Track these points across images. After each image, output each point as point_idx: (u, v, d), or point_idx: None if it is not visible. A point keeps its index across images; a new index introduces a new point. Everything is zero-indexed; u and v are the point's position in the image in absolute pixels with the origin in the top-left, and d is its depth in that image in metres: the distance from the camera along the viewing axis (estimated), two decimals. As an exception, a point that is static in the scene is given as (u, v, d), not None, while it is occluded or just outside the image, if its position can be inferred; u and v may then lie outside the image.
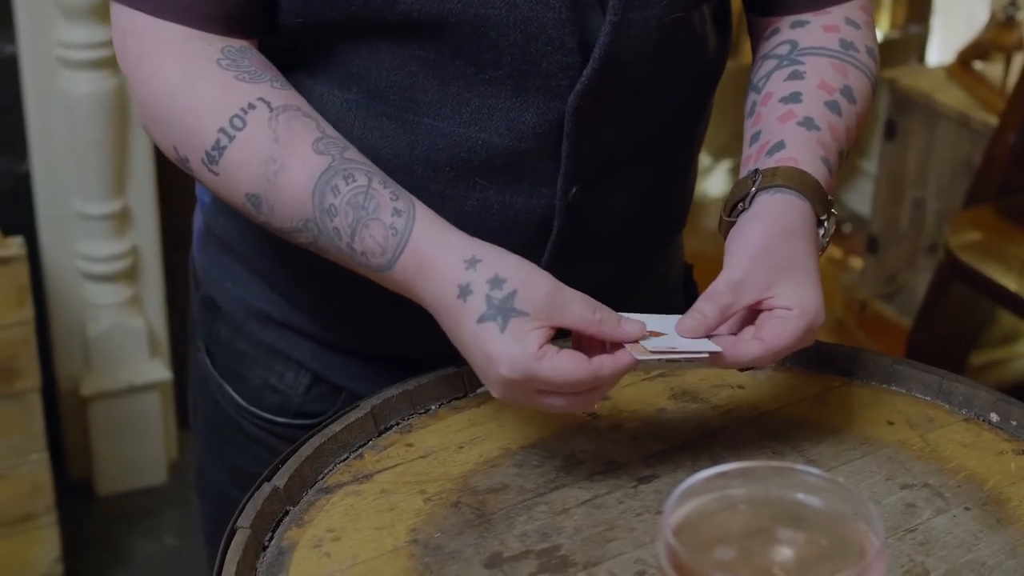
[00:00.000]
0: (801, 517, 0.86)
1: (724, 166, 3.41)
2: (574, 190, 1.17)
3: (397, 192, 1.06)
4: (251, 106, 1.09)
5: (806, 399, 1.17)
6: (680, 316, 1.06)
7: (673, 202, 1.30)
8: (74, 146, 2.51)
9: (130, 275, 2.64)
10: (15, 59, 2.46)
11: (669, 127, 1.24)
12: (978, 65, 3.17)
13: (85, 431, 2.69)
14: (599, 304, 1.03)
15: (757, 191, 1.10)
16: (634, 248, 1.27)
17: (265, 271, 1.27)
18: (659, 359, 1.02)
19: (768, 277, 1.06)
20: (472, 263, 1.03)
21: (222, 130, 1.09)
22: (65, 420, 2.70)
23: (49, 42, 2.44)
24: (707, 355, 1.03)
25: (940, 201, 3.17)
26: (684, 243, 1.42)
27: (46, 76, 2.46)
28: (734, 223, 1.11)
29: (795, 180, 1.10)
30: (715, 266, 1.10)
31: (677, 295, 1.39)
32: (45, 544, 2.35)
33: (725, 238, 1.11)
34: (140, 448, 2.72)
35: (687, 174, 1.30)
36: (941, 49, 3.65)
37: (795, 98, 1.17)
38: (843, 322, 3.33)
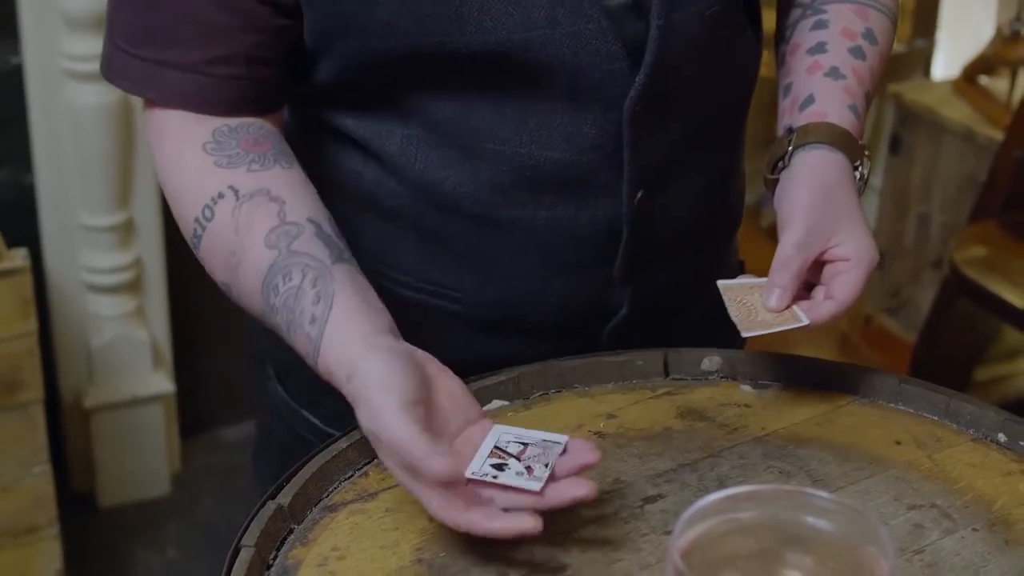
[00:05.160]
0: (810, 540, 0.85)
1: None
2: (639, 196, 1.19)
3: (321, 292, 1.06)
4: (220, 195, 1.12)
5: (813, 418, 1.17)
6: None
7: (730, 196, 1.33)
8: (79, 158, 2.50)
9: (134, 287, 2.64)
10: (20, 70, 2.46)
11: (721, 122, 1.27)
12: (983, 80, 3.17)
13: (88, 443, 2.69)
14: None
15: (793, 149, 1.18)
16: (699, 246, 1.30)
17: None
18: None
19: (824, 229, 1.13)
20: (350, 379, 1.03)
21: (197, 220, 1.14)
22: (68, 432, 2.70)
23: (54, 53, 2.44)
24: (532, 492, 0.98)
25: (945, 216, 3.16)
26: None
27: (51, 87, 2.46)
28: (777, 180, 1.18)
29: (826, 134, 1.17)
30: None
31: None
32: (47, 556, 2.35)
33: (773, 195, 1.19)
34: (143, 460, 2.72)
35: (739, 167, 1.34)
36: (946, 64, 3.64)
37: (820, 48, 1.23)
38: (847, 336, 3.33)
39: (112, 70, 1.17)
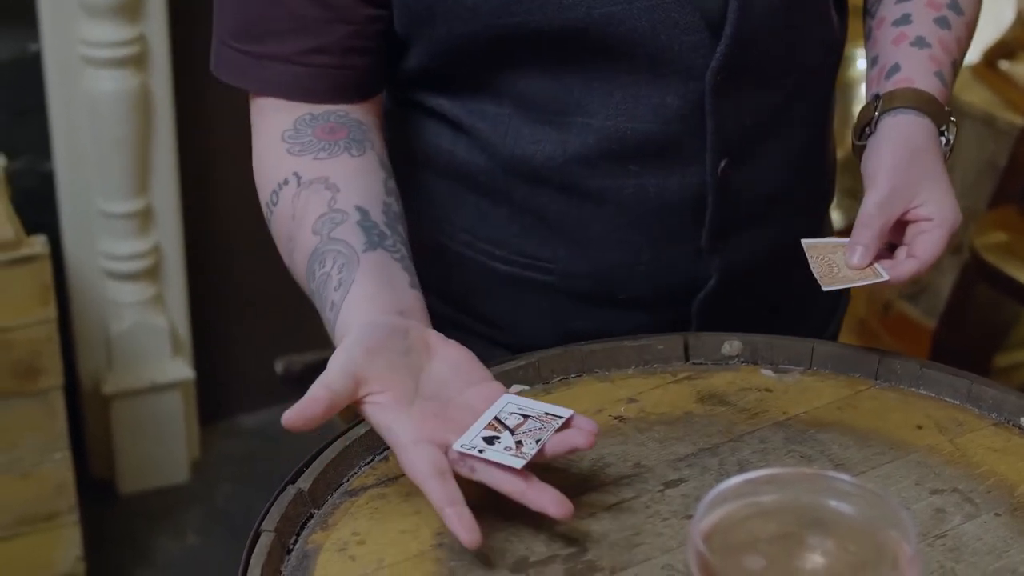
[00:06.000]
0: (832, 524, 0.85)
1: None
2: (723, 164, 1.22)
3: (343, 279, 1.10)
4: (285, 182, 1.16)
5: (834, 402, 1.17)
6: None
7: (817, 167, 1.35)
8: (97, 145, 2.51)
9: (153, 274, 2.64)
10: (39, 57, 2.47)
11: (805, 93, 1.29)
12: (1004, 65, 3.15)
13: (107, 430, 2.69)
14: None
15: (880, 115, 1.21)
16: (787, 217, 1.31)
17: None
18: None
19: (907, 190, 1.16)
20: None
21: (266, 204, 1.19)
22: (88, 419, 2.70)
23: (73, 40, 2.44)
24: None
25: (965, 201, 3.13)
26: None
27: (70, 75, 2.46)
28: (864, 146, 1.21)
29: (912, 100, 1.20)
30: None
31: None
32: (67, 543, 2.35)
33: (860, 161, 1.21)
34: (162, 447, 2.73)
35: (826, 139, 1.35)
36: (966, 48, 3.63)
37: (905, 20, 1.26)
38: (866, 322, 3.31)
39: (218, 64, 1.22)
